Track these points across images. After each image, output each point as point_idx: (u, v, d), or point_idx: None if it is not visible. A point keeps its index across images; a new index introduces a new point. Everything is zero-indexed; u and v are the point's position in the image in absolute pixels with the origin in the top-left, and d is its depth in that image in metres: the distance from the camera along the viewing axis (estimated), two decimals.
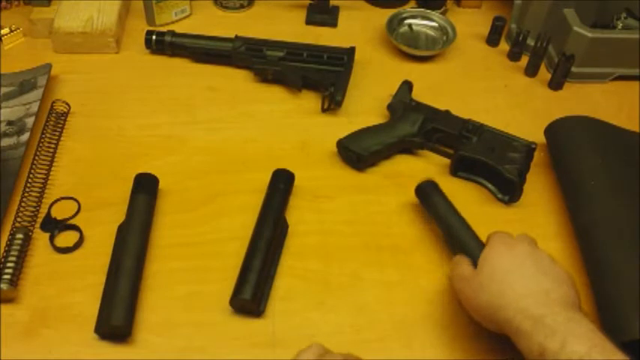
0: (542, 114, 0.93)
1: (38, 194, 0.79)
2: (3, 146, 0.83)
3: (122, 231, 0.74)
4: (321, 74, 0.95)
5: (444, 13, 1.11)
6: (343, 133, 0.87)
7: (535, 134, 0.88)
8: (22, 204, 0.77)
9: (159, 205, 0.79)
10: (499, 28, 1.06)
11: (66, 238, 0.75)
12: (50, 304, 0.70)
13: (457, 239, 0.73)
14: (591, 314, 0.71)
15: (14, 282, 0.69)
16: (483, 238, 0.78)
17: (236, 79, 0.98)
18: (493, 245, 0.66)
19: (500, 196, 0.83)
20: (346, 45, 0.99)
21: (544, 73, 1.02)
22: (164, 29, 1.01)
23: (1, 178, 0.80)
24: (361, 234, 0.79)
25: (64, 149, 0.86)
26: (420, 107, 0.90)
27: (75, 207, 0.79)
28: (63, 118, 0.89)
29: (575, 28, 0.97)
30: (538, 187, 0.85)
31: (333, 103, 0.92)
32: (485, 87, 1.00)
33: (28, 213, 0.76)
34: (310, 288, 0.73)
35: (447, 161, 0.87)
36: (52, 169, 0.83)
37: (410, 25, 1.10)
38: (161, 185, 0.80)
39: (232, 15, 1.11)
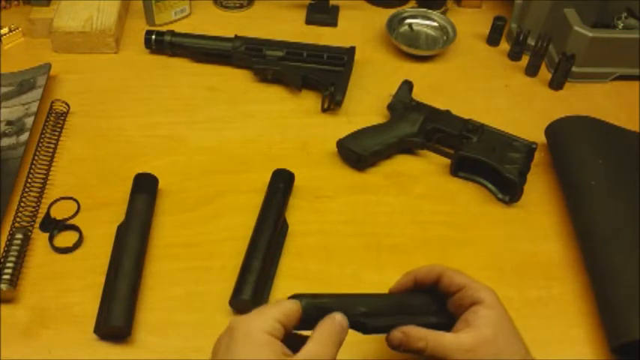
0: (542, 114, 0.93)
1: (37, 194, 0.79)
2: (2, 146, 0.83)
3: (121, 231, 0.74)
4: (321, 74, 0.95)
5: (444, 13, 1.11)
6: (343, 133, 0.87)
7: (535, 134, 0.88)
8: (22, 204, 0.77)
9: (158, 205, 0.79)
10: (499, 27, 1.06)
11: (65, 238, 0.75)
12: (49, 305, 0.69)
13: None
14: (591, 314, 0.72)
15: (14, 282, 0.69)
16: (483, 239, 0.79)
17: (236, 79, 0.98)
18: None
19: (500, 196, 0.83)
20: (346, 45, 0.99)
21: (545, 73, 1.02)
22: (164, 29, 1.01)
23: (1, 178, 0.79)
24: (361, 234, 0.79)
25: (63, 149, 0.86)
26: (421, 107, 0.90)
27: (74, 207, 0.79)
28: (62, 118, 0.89)
29: (576, 28, 0.97)
30: (538, 187, 0.85)
31: (333, 102, 0.92)
32: (486, 87, 1.00)
33: (27, 213, 0.76)
34: (310, 288, 0.72)
35: (447, 161, 0.86)
36: (52, 169, 0.83)
37: (410, 25, 1.09)
38: (161, 185, 0.80)
39: (232, 15, 1.11)
